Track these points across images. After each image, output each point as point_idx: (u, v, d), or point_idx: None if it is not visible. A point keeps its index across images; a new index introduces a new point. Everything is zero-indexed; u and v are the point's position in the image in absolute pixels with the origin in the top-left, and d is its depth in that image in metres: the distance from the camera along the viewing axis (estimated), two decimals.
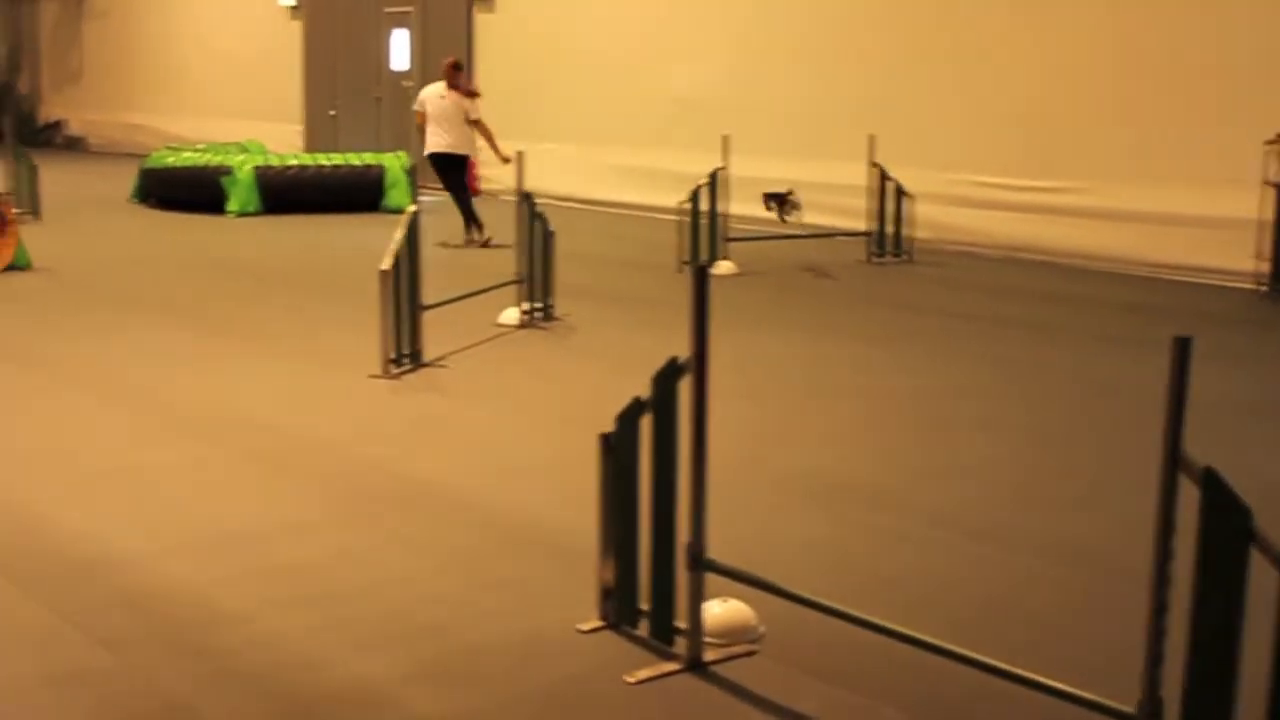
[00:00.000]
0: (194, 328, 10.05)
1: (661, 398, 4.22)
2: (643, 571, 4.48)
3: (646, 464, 4.43)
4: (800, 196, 14.07)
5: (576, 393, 8.19)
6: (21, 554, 5.32)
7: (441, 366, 8.64)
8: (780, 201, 14.07)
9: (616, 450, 4.41)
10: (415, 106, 15.05)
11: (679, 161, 16.59)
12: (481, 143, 14.75)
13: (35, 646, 4.48)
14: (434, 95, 14.77)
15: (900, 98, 15.06)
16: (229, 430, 7.21)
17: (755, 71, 16.71)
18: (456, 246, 14.30)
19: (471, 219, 14.59)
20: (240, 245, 14.81)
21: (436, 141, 14.60)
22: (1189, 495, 3.23)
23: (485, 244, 14.39)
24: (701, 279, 4.02)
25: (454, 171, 14.73)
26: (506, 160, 12.90)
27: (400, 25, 21.85)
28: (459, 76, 14.84)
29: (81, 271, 12.77)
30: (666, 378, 4.22)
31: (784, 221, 13.85)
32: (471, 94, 14.88)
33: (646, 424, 4.39)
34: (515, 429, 7.35)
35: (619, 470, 4.44)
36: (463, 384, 8.28)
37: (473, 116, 14.63)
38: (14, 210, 13.15)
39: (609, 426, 4.52)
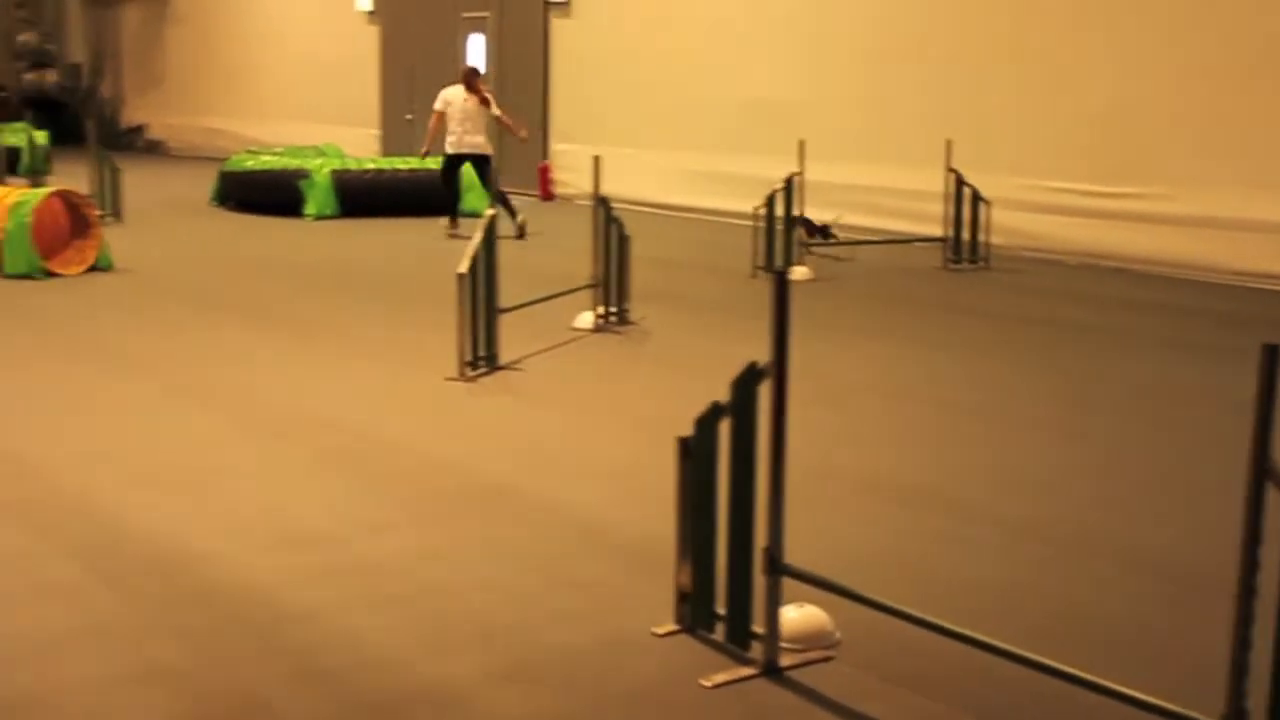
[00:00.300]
0: (272, 329, 10.16)
1: (741, 403, 4.22)
2: (719, 576, 4.48)
3: (724, 468, 4.43)
4: (836, 228, 14.20)
5: (652, 397, 8.20)
6: (104, 550, 5.40)
7: (517, 369, 8.67)
8: (817, 232, 14.09)
9: (695, 454, 4.42)
10: (437, 107, 15.74)
11: (754, 166, 16.56)
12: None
13: (117, 642, 4.55)
14: (458, 98, 15.51)
15: (977, 103, 14.98)
16: (307, 429, 7.28)
17: (831, 76, 16.66)
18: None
19: (509, 209, 15.24)
20: (317, 248, 14.94)
21: (470, 142, 15.46)
22: (1275, 505, 3.20)
23: (521, 234, 15.22)
24: (781, 285, 4.02)
25: (483, 169, 15.58)
26: (524, 139, 15.57)
27: (476, 30, 21.97)
28: (478, 82, 15.66)
29: (162, 272, 12.93)
30: (746, 383, 4.22)
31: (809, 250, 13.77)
32: (488, 98, 15.68)
33: (724, 428, 4.39)
34: (591, 432, 7.37)
35: (697, 474, 4.44)
36: (538, 387, 8.31)
37: (494, 113, 15.53)
38: (97, 212, 13.33)
39: (685, 431, 4.52)
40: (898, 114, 15.89)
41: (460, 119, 15.43)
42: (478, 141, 15.49)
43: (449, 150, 15.63)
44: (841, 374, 8.69)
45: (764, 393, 4.27)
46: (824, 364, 8.77)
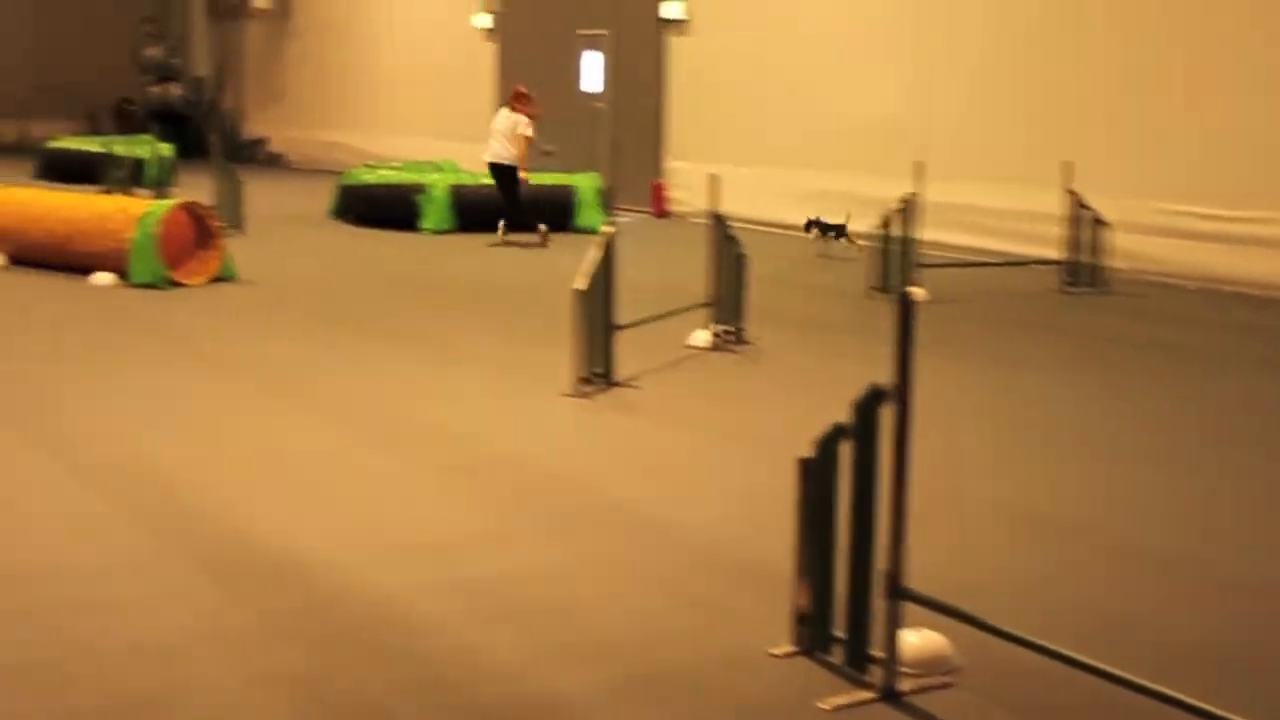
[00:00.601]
0: (390, 341, 10.28)
1: (863, 425, 4.21)
2: (838, 598, 4.47)
3: (843, 490, 4.42)
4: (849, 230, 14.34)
5: (767, 416, 8.19)
6: (227, 559, 5.50)
7: (632, 386, 8.70)
8: (828, 231, 14.15)
9: (815, 476, 4.41)
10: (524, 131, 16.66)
11: (870, 186, 16.49)
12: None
13: (241, 647, 4.63)
14: (503, 114, 16.76)
15: (1097, 124, 14.81)
16: (426, 442, 7.36)
17: (949, 95, 16.56)
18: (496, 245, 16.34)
19: (519, 218, 16.59)
20: (434, 262, 15.10)
21: (494, 151, 16.56)
22: None
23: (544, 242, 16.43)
24: (906, 307, 4.00)
25: (504, 178, 16.60)
26: (548, 152, 16.99)
27: (593, 48, 22.09)
28: (520, 98, 16.79)
29: (283, 284, 13.13)
30: (869, 405, 4.21)
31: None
32: (533, 115, 16.66)
33: (840, 449, 4.38)
34: (707, 450, 7.38)
35: (817, 495, 4.44)
36: (653, 404, 8.34)
37: (519, 132, 16.41)
38: (220, 224, 13.57)
39: (800, 451, 4.52)
40: (1015, 134, 15.75)
41: (493, 133, 16.61)
42: (493, 151, 16.53)
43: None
44: (954, 397, 8.62)
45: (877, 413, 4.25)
46: (937, 387, 8.69)
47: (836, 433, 4.35)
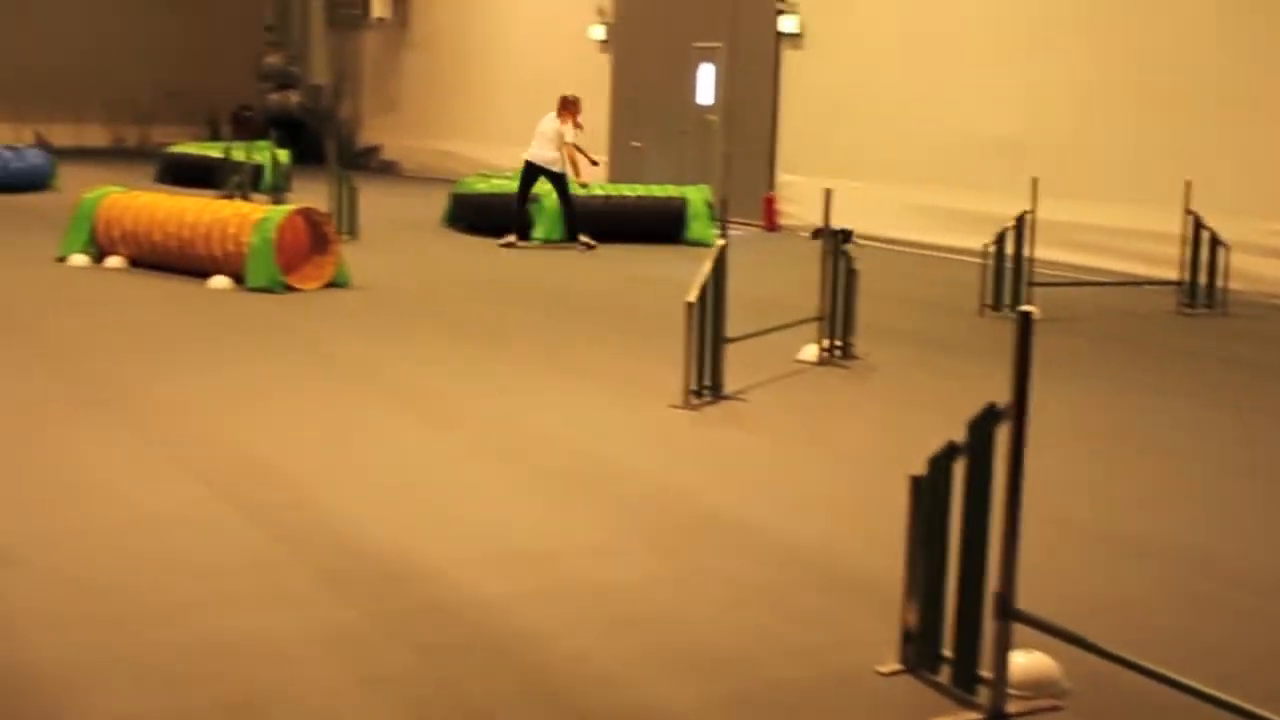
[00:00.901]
0: (500, 349, 10.35)
1: (978, 443, 4.18)
2: (947, 617, 4.43)
3: (953, 508, 4.39)
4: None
5: (877, 432, 8.15)
6: (339, 560, 5.56)
7: (741, 400, 8.69)
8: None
9: (928, 494, 4.38)
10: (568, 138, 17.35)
11: (982, 202, 16.38)
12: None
13: (351, 649, 4.68)
14: (549, 118, 17.45)
15: (1214, 143, 14.58)
16: (534, 451, 7.40)
17: (1065, 113, 16.39)
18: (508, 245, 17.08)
19: (572, 226, 17.33)
20: (545, 271, 15.19)
21: (539, 153, 17.29)
22: None
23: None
24: (1025, 325, 3.96)
25: (538, 178, 17.35)
26: (583, 184, 17.29)
27: (707, 60, 22.12)
28: (567, 109, 17.41)
29: (396, 291, 13.27)
30: (984, 423, 4.17)
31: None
32: (576, 125, 17.34)
33: (952, 467, 4.35)
34: (814, 465, 7.35)
35: (929, 514, 4.41)
36: (762, 418, 8.32)
37: (566, 139, 17.12)
38: (335, 231, 13.74)
39: (910, 468, 4.50)
40: (1131, 152, 15.55)
41: (538, 136, 17.32)
42: (534, 153, 17.30)
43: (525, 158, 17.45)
44: (1065, 416, 8.51)
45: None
46: (1047, 405, 8.59)
47: (950, 451, 4.32)
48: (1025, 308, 11.13)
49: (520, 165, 17.68)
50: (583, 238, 17.23)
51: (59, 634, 4.72)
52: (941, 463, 4.35)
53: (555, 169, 17.15)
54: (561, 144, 17.09)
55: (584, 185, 17.45)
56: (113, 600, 5.05)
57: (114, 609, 4.96)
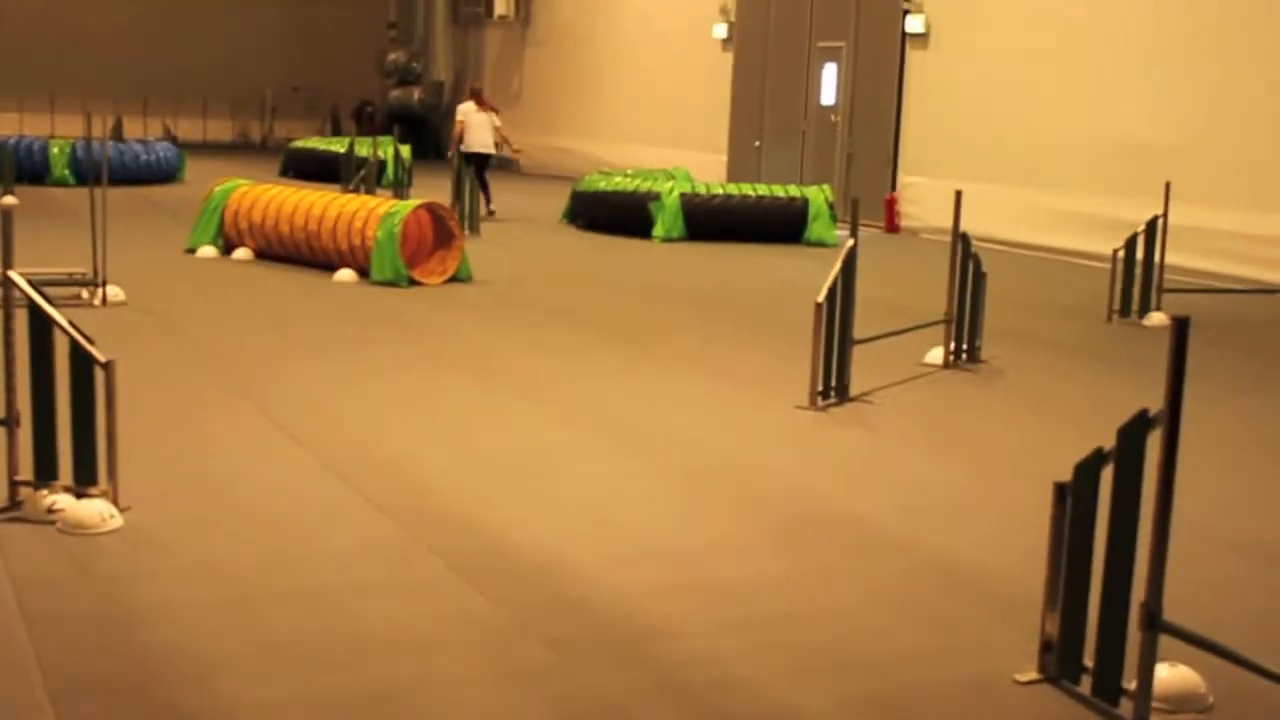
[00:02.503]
0: (623, 345, 10.36)
1: (1128, 451, 4.09)
2: (1090, 626, 4.35)
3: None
4: None
5: (1004, 436, 8.05)
6: (472, 552, 5.59)
7: (867, 402, 8.63)
8: None
9: (1074, 500, 4.30)
10: (459, 117, 19.88)
11: (1111, 207, 16.15)
12: None
13: (490, 643, 4.70)
14: (472, 110, 19.78)
15: None
16: (662, 448, 7.39)
17: (1197, 117, 16.07)
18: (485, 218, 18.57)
19: (488, 196, 19.73)
20: (666, 269, 15.19)
21: (483, 143, 19.69)
22: None
23: (490, 215, 19.35)
24: (1180, 331, 3.87)
25: (487, 164, 19.85)
26: (517, 151, 21.20)
27: (830, 60, 22.00)
28: (483, 98, 20.30)
29: (518, 286, 13.34)
30: (1135, 430, 4.08)
31: None
32: (495, 110, 20.36)
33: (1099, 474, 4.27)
34: (942, 469, 7.27)
35: (1075, 521, 4.32)
36: (889, 420, 8.25)
37: (496, 124, 19.92)
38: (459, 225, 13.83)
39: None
40: (1265, 157, 15.22)
41: (477, 127, 19.65)
42: (487, 143, 19.73)
43: (470, 150, 19.44)
44: (1200, 425, 8.33)
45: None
46: (1189, 416, 8.43)
47: (1097, 458, 4.24)
48: (1153, 314, 10.87)
49: (634, 163, 18.08)
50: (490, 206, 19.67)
51: (198, 619, 4.78)
52: (1089, 470, 4.27)
53: (492, 151, 19.91)
54: (494, 130, 19.74)
55: (517, 151, 21.30)
56: (251, 587, 5.12)
57: (252, 596, 5.02)
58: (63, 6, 36.53)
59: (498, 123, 19.92)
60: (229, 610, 4.88)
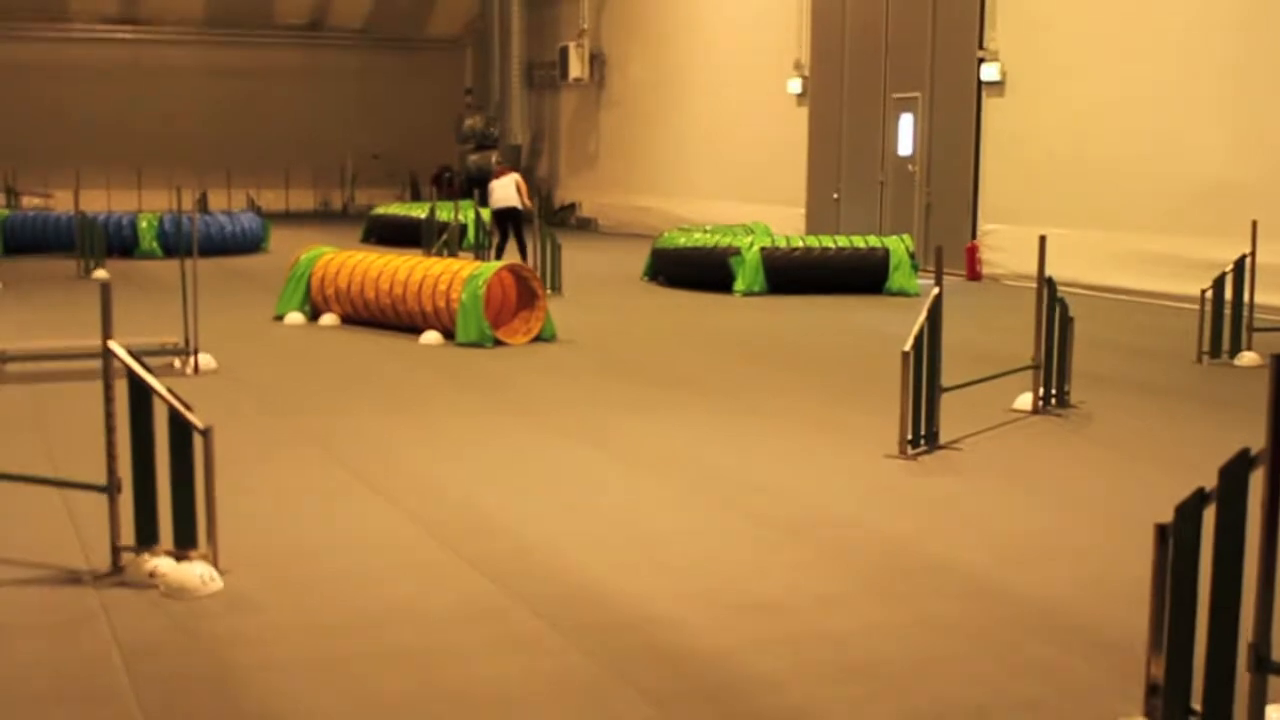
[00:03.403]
0: (710, 400, 10.37)
1: (1230, 491, 4.05)
2: (1196, 669, 4.29)
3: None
4: None
5: (1097, 480, 7.97)
6: (566, 609, 5.60)
7: (957, 449, 8.58)
8: None
9: (1178, 543, 4.26)
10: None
11: (1193, 248, 16.02)
12: None
13: (585, 698, 4.70)
14: (494, 178, 21.76)
15: None
16: (752, 499, 7.38)
17: (1276, 154, 15.92)
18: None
19: (524, 251, 20.16)
20: (748, 323, 15.20)
21: (505, 199, 21.16)
22: None
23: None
24: (1279, 368, 3.84)
25: (517, 219, 21.26)
26: (528, 207, 21.20)
27: (906, 110, 22.01)
28: (502, 166, 23.30)
29: (602, 344, 13.40)
30: (1237, 470, 4.04)
31: None
32: (514, 170, 22.78)
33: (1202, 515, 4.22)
34: (1036, 514, 7.21)
35: (1177, 562, 4.27)
36: (980, 467, 8.19)
37: (518, 183, 21.36)
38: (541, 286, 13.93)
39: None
40: None
41: (497, 189, 21.32)
42: (508, 197, 21.16)
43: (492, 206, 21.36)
44: None
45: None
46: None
47: (1199, 498, 4.19)
48: (1244, 354, 10.71)
49: (713, 219, 18.08)
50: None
51: (299, 679, 4.83)
52: (1190, 511, 4.23)
53: (513, 205, 21.12)
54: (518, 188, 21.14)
55: (528, 207, 21.34)
56: (350, 647, 5.15)
57: (351, 655, 5.06)
58: (146, 84, 37.32)
59: (520, 182, 21.38)
60: (328, 670, 4.92)
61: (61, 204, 28.40)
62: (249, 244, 24.77)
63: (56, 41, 36.66)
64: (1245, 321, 12.21)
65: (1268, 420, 3.89)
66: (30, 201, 31.45)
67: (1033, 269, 9.61)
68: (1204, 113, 16.84)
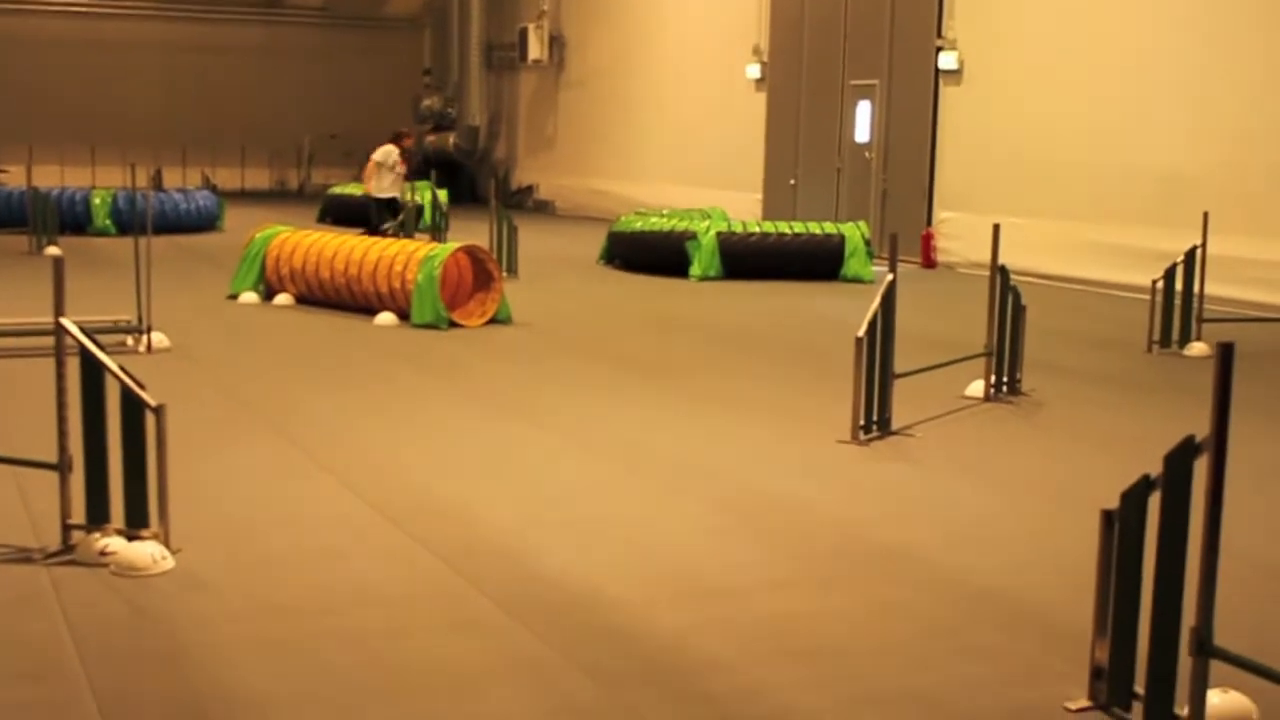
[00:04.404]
0: (663, 384, 10.39)
1: (1176, 477, 4.10)
2: (1140, 653, 4.35)
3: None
4: None
5: (1047, 467, 8.04)
6: (516, 591, 5.61)
7: (909, 435, 8.64)
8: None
9: (1122, 527, 4.31)
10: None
11: (1147, 238, 16.15)
12: None
13: (535, 678, 4.72)
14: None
15: None
16: (700, 483, 7.41)
17: (1231, 145, 16.05)
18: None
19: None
20: (704, 308, 15.24)
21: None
22: None
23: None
24: (1226, 358, 3.90)
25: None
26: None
27: (864, 97, 22.07)
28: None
29: (557, 327, 13.41)
30: (1181, 457, 4.10)
31: None
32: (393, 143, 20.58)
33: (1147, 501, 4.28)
34: (987, 500, 7.27)
35: (1123, 548, 4.33)
36: (932, 453, 8.25)
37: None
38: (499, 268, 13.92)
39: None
40: None
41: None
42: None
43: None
44: (1252, 455, 8.31)
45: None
46: (1233, 443, 8.41)
47: (1144, 485, 4.25)
48: (1193, 344, 10.84)
49: (670, 204, 18.04)
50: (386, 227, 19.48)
51: (249, 659, 4.83)
52: (1135, 497, 4.28)
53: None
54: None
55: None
56: (300, 626, 5.16)
57: (301, 635, 5.06)
58: (100, 60, 36.99)
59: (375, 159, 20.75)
60: (279, 650, 4.92)
61: (14, 180, 28.15)
62: (204, 222, 24.62)
63: (10, 14, 36.29)
64: (1195, 312, 12.33)
65: (1212, 409, 3.95)
66: None
67: (987, 257, 9.67)
68: (1159, 104, 16.98)
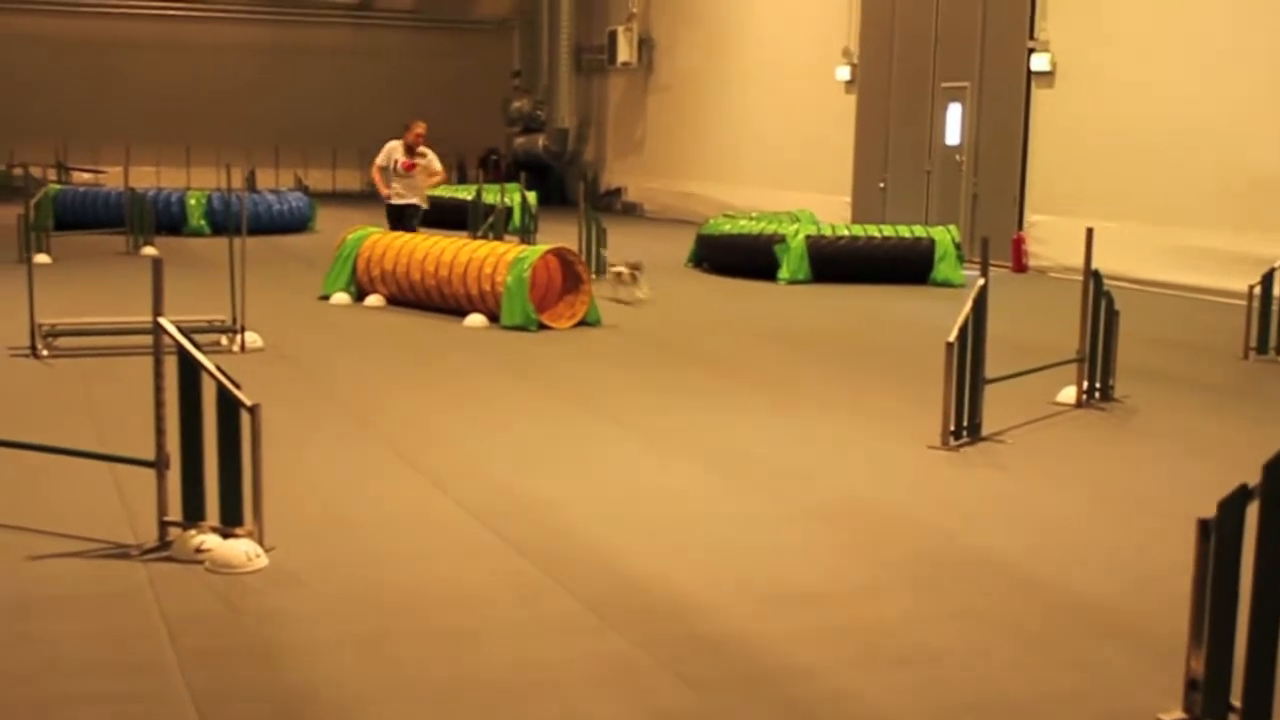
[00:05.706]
0: (753, 387, 10.38)
1: (1274, 486, 4.04)
2: (1237, 665, 4.29)
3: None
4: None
5: (1141, 474, 7.95)
6: (606, 594, 5.63)
7: (1000, 441, 8.56)
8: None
9: (1220, 538, 4.25)
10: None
11: (1244, 243, 15.89)
12: None
13: (626, 683, 4.73)
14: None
15: None
16: (792, 487, 7.40)
17: None
18: None
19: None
20: (792, 311, 15.19)
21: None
22: None
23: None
24: None
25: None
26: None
27: (955, 100, 21.91)
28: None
29: (645, 329, 13.42)
30: None
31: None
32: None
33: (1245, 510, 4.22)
34: (1078, 508, 7.20)
35: (1220, 557, 4.27)
36: (1023, 460, 8.18)
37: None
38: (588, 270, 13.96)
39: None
40: None
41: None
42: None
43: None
44: None
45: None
46: None
47: (1243, 493, 4.19)
48: None
49: (758, 206, 17.75)
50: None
51: (341, 656, 4.88)
52: (1233, 506, 4.22)
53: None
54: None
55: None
56: (391, 625, 5.20)
57: (393, 633, 5.11)
58: (195, 63, 37.50)
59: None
60: (370, 648, 4.96)
61: (111, 180, 28.60)
62: (296, 223, 24.91)
63: (108, 17, 36.88)
64: None
65: None
66: (80, 177, 31.69)
67: (1079, 262, 9.58)
68: (1255, 105, 16.70)
